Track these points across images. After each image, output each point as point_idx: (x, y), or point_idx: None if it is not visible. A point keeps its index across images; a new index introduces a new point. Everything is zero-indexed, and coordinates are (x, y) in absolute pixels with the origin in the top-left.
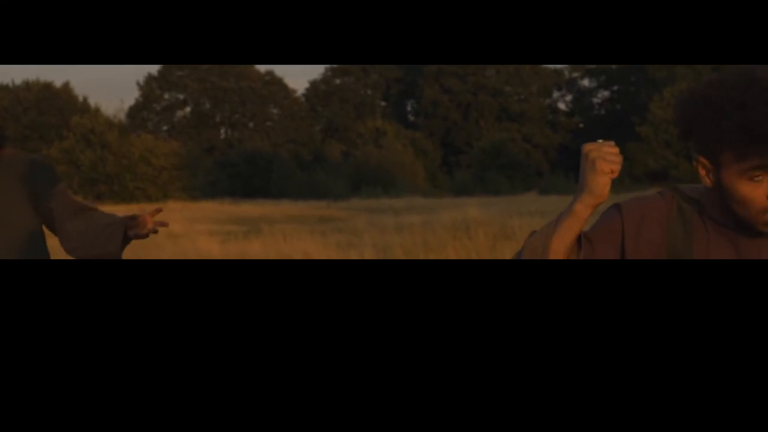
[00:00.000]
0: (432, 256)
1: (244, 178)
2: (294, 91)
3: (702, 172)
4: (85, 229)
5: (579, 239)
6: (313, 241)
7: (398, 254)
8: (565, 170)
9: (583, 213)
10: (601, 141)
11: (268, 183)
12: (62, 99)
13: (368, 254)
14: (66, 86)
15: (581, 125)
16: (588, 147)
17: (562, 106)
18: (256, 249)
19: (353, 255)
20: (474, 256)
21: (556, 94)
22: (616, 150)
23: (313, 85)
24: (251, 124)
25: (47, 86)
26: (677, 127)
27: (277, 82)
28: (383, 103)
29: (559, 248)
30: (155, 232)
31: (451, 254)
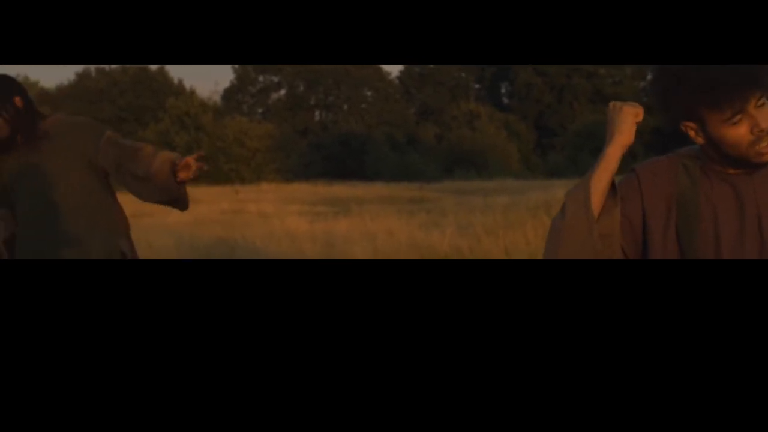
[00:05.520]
0: (510, 234)
1: (338, 159)
2: (388, 74)
3: (691, 133)
4: (140, 174)
5: (614, 187)
6: (399, 221)
7: (479, 232)
8: (658, 152)
9: (615, 154)
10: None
11: (362, 165)
12: (158, 81)
13: (449, 233)
14: (161, 69)
15: None
16: (612, 102)
17: None
18: (342, 227)
19: (435, 233)
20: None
21: (650, 77)
22: (636, 103)
23: (408, 68)
24: (345, 107)
25: (143, 69)
26: (656, 105)
27: (372, 65)
28: (477, 86)
29: (598, 189)
30: (196, 174)
31: (529, 232)
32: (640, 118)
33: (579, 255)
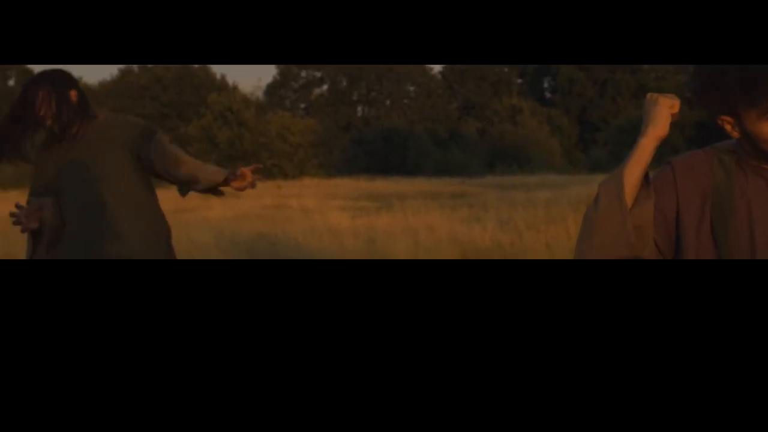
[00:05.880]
0: (552, 229)
1: (381, 155)
2: (430, 69)
3: (728, 127)
4: (182, 179)
5: (647, 178)
6: (441, 216)
7: (520, 227)
8: (701, 146)
9: (648, 146)
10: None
11: (405, 160)
12: (200, 77)
13: (490, 227)
14: (204, 65)
15: None
16: (649, 94)
17: None
18: (383, 222)
19: (476, 228)
20: None
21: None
22: (673, 95)
23: None
24: (388, 102)
25: (185, 65)
26: (696, 96)
27: None
28: (519, 81)
29: (631, 181)
30: (253, 186)
31: (570, 226)
32: (676, 110)
33: (612, 246)
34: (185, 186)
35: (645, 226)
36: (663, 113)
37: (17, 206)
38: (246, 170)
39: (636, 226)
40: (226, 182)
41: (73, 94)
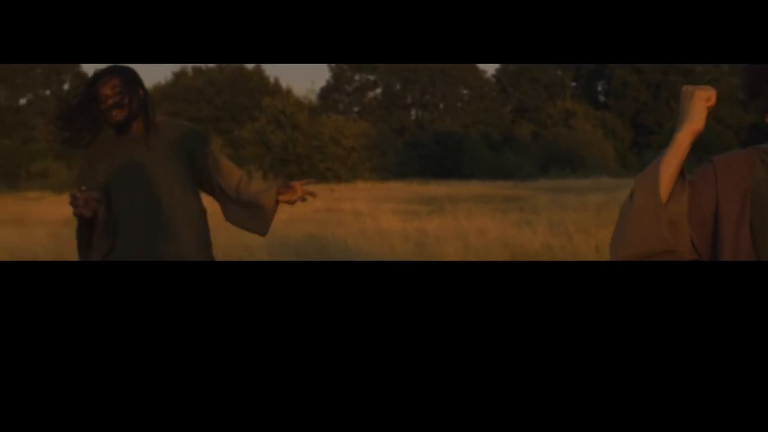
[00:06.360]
0: (602, 232)
1: (435, 158)
2: (484, 72)
3: None
4: (230, 195)
5: (683, 173)
6: (492, 219)
7: (570, 230)
8: None
9: (684, 140)
10: None
11: (458, 163)
12: (254, 81)
13: (541, 231)
14: (257, 68)
15: None
16: (685, 87)
17: None
18: (434, 226)
19: (526, 231)
20: None
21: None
22: (708, 87)
23: (504, 66)
24: (441, 105)
25: (239, 68)
26: (744, 89)
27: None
28: (573, 84)
29: (666, 175)
30: (304, 200)
31: None
32: (712, 102)
33: (646, 241)
34: (230, 203)
35: (680, 222)
36: (699, 106)
37: (80, 189)
38: (297, 184)
39: (671, 221)
40: (276, 198)
41: (141, 92)
